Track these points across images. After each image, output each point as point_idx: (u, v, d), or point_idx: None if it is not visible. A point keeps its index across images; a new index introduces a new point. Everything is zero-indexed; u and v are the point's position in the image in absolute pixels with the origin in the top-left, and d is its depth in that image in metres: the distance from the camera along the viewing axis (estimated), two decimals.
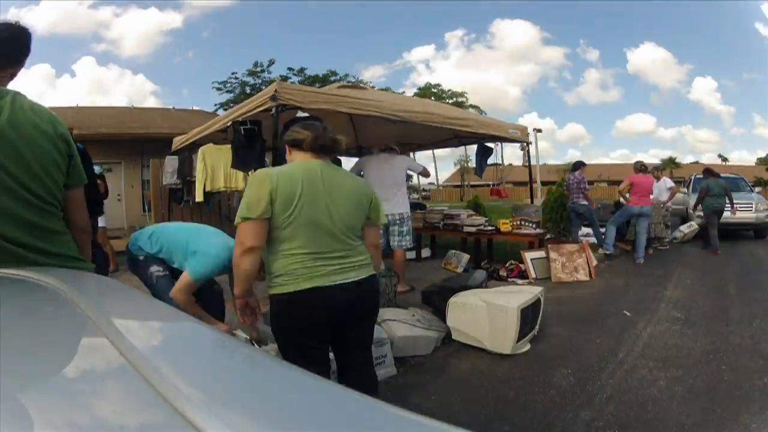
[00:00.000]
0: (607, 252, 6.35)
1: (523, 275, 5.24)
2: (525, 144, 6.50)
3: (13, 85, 1.20)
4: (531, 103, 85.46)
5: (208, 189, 6.16)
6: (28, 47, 1.21)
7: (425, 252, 6.71)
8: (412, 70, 66.30)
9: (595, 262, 5.51)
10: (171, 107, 15.93)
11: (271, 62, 19.71)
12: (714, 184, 7.20)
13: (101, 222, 6.04)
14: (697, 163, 43.36)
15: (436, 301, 3.55)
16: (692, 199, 8.69)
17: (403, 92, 24.16)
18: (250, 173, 5.96)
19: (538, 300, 3.24)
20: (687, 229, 8.53)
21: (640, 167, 6.44)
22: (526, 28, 77.91)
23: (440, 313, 3.31)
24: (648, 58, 79.34)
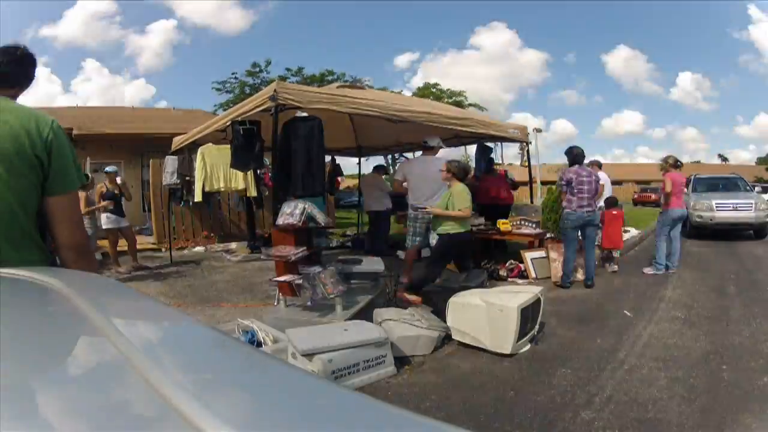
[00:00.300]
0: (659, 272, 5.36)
1: (523, 275, 5.24)
2: (525, 144, 6.50)
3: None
4: (519, 105, 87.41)
5: (207, 189, 6.16)
6: (31, 73, 1.24)
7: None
8: (400, 77, 67.44)
9: (595, 262, 5.51)
10: (171, 107, 15.96)
11: (268, 62, 19.71)
12: None
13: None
14: (698, 162, 43.43)
15: (436, 301, 3.55)
16: (692, 199, 8.72)
17: (401, 91, 24.14)
18: (248, 172, 5.98)
19: (538, 300, 3.24)
20: None
21: (674, 162, 5.40)
22: (508, 33, 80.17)
23: (440, 313, 3.31)
24: (631, 59, 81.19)
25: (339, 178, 8.52)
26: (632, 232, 8.97)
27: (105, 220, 5.91)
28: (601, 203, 5.73)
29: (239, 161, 4.24)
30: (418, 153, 8.87)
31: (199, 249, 8.02)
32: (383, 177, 7.39)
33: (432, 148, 4.78)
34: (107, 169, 6.24)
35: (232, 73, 19.83)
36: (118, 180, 6.22)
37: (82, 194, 3.72)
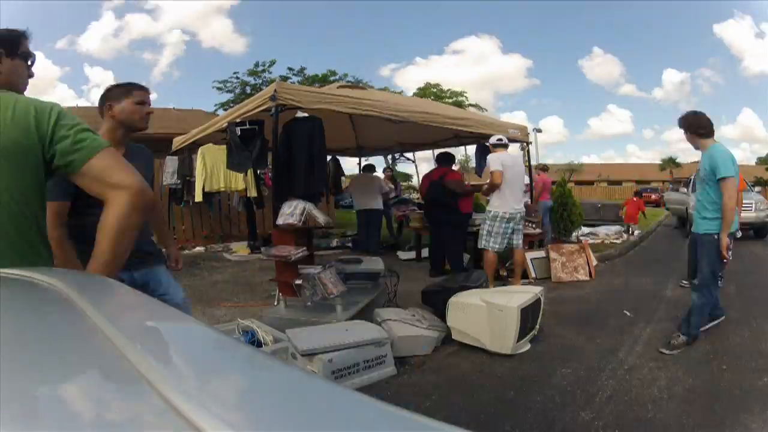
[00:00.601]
0: None
1: (523, 275, 5.23)
2: (525, 144, 6.50)
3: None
4: (504, 110, 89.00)
5: (207, 189, 6.16)
6: (15, 46, 1.18)
7: (425, 252, 6.71)
8: (389, 83, 68.44)
9: (595, 262, 5.51)
10: (171, 107, 15.94)
11: (272, 62, 19.65)
12: None
13: None
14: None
15: (436, 301, 3.55)
16: (692, 199, 8.73)
17: (401, 92, 24.12)
18: (248, 172, 5.98)
19: (538, 300, 3.24)
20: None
21: (543, 167, 7.68)
22: (489, 42, 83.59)
23: (440, 313, 3.31)
24: (608, 63, 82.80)
25: (343, 178, 8.54)
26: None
27: None
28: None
29: (234, 162, 4.21)
30: (419, 153, 8.91)
31: (199, 249, 8.02)
32: (374, 174, 7.50)
33: (504, 145, 4.75)
34: None
35: (234, 73, 19.78)
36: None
37: None
